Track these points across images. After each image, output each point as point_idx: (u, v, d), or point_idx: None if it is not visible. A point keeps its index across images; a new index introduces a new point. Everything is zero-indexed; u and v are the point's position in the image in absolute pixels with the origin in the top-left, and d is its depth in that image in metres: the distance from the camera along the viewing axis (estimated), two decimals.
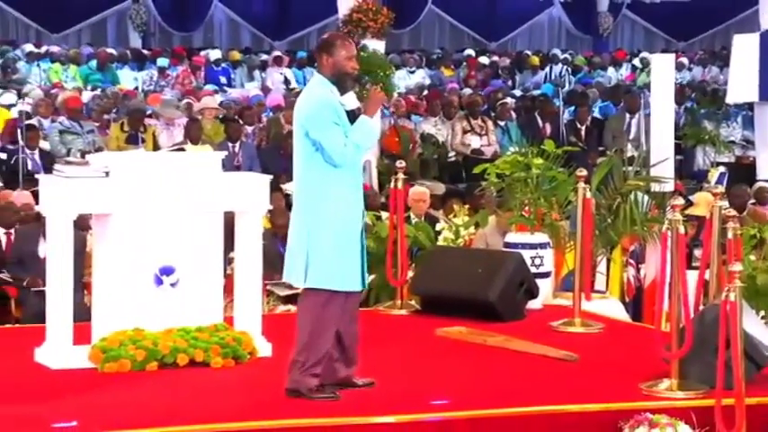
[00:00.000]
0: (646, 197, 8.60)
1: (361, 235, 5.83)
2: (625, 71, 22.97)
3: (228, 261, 7.38)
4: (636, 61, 23.00)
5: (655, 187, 8.75)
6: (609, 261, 8.90)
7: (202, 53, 21.54)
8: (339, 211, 5.72)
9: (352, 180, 5.77)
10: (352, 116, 5.79)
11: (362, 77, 6.23)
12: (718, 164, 14.23)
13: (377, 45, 13.65)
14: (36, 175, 8.83)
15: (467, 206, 9.72)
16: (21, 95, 14.45)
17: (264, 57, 21.68)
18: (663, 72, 9.25)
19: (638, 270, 9.09)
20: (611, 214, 8.45)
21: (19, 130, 12.34)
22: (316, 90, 5.80)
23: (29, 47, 20.98)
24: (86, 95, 15.78)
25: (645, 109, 14.57)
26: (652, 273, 8.59)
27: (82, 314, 6.73)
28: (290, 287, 9.24)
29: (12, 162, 12.20)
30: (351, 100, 5.83)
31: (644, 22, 27.38)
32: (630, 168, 8.73)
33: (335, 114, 5.70)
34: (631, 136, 14.79)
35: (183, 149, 7.50)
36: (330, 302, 5.76)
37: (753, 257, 7.58)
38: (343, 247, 5.73)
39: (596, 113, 16.51)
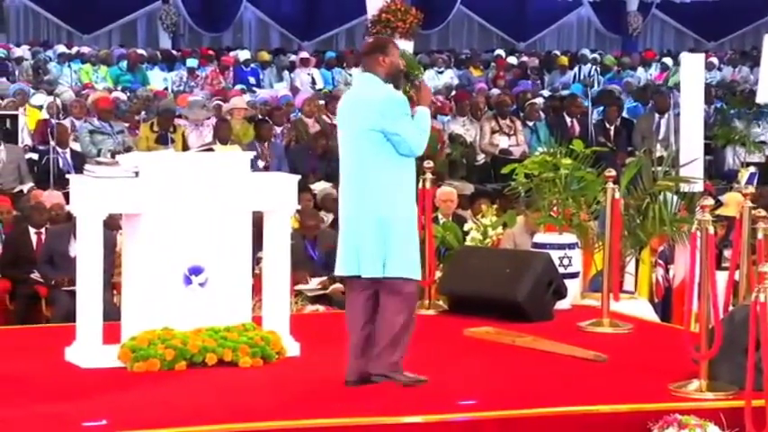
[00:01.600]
0: (675, 197, 8.55)
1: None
2: (654, 71, 22.87)
3: (257, 261, 7.40)
4: (666, 61, 22.89)
5: (684, 188, 8.71)
6: (638, 261, 8.86)
7: (231, 54, 21.60)
8: (410, 199, 6.03)
9: (413, 170, 6.08)
10: None
11: (410, 75, 6.28)
12: (748, 164, 14.12)
13: (405, 45, 13.61)
14: (67, 175, 8.88)
15: (495, 206, 9.70)
16: (53, 96, 14.52)
17: (293, 57, 21.73)
18: (693, 72, 9.20)
19: (666, 270, 9.04)
20: (640, 215, 8.41)
21: (50, 131, 12.42)
22: (381, 88, 6.05)
23: (60, 48, 21.10)
24: (117, 96, 15.85)
25: (674, 109, 14.51)
26: (681, 273, 8.55)
27: (111, 314, 6.76)
28: (324, 287, 9.28)
29: (43, 162, 12.27)
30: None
31: (674, 21, 27.25)
32: (660, 169, 8.69)
33: (408, 107, 6.05)
34: (660, 136, 14.72)
35: (211, 149, 7.52)
36: (413, 290, 6.04)
37: None
38: (415, 235, 6.07)
39: (625, 114, 16.44)
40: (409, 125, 5.99)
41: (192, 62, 20.11)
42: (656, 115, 15.17)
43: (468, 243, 9.06)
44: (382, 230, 5.92)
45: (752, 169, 13.58)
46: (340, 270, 6.10)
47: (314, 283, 9.50)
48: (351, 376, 6.07)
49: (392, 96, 6.04)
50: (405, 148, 5.97)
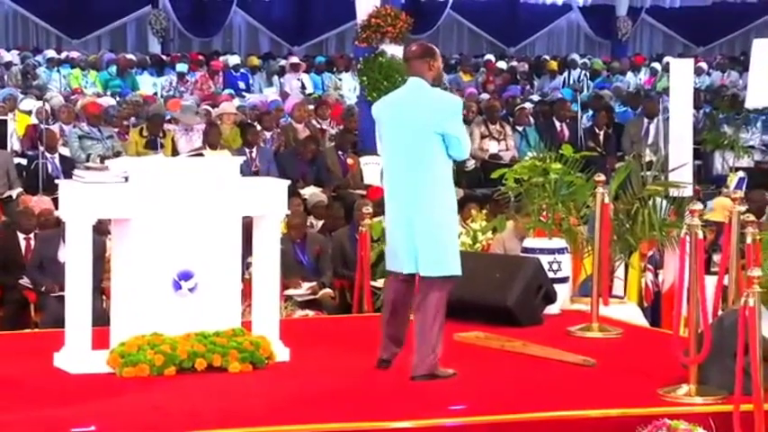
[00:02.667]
0: (664, 202, 8.57)
1: None
2: (644, 75, 22.93)
3: (246, 266, 7.39)
4: (655, 65, 22.95)
5: (673, 192, 8.72)
6: (627, 266, 8.87)
7: (221, 58, 21.60)
8: (454, 203, 6.31)
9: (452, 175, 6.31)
10: None
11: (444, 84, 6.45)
12: (737, 169, 14.16)
13: (395, 50, 13.63)
14: (56, 181, 8.87)
15: (484, 211, 9.70)
16: (42, 101, 14.50)
17: (282, 62, 21.73)
18: (682, 77, 9.22)
19: (656, 275, 9.06)
20: (630, 219, 8.42)
21: (39, 136, 12.40)
22: (436, 92, 6.28)
23: (50, 53, 21.07)
24: (106, 101, 15.83)
25: (663, 114, 14.54)
26: (670, 278, 8.56)
27: (101, 319, 6.74)
28: (314, 293, 9.28)
29: (32, 167, 12.25)
30: None
31: (663, 26, 27.33)
32: (649, 173, 8.71)
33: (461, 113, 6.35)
34: (650, 141, 14.75)
35: (201, 154, 7.51)
36: (447, 287, 6.27)
37: None
38: (456, 235, 6.40)
39: (615, 118, 16.47)
40: (463, 128, 6.32)
41: (181, 67, 20.10)
42: (646, 120, 15.21)
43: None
44: (441, 230, 6.18)
45: (741, 174, 13.62)
46: (396, 267, 6.30)
47: (304, 288, 9.51)
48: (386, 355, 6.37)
49: (453, 99, 6.34)
50: (458, 150, 6.20)
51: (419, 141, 6.15)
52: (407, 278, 6.33)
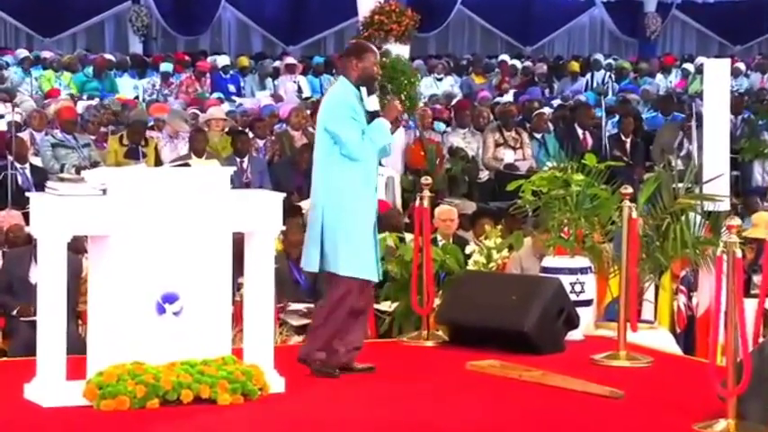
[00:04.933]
0: (698, 217, 8.57)
1: (373, 229, 7.00)
2: (675, 78, 22.97)
3: (237, 287, 7.39)
4: (687, 66, 22.99)
5: (708, 206, 8.73)
6: (657, 288, 8.87)
7: (209, 59, 21.65)
8: (353, 203, 6.87)
9: (366, 176, 6.94)
10: (373, 118, 6.99)
11: (386, 88, 6.69)
12: None
13: (401, 50, 13.68)
14: (26, 193, 8.88)
15: (499, 227, 9.72)
16: (12, 106, 14.53)
17: (277, 63, 21.78)
18: (717, 79, 9.24)
19: (689, 298, 9.06)
20: (660, 236, 8.43)
21: (7, 144, 12.41)
22: (337, 90, 7.08)
23: (22, 52, 21.12)
24: (81, 105, 15.86)
25: (697, 120, 14.56)
26: (706, 301, 8.56)
27: (76, 346, 6.75)
28: (305, 316, 9.27)
29: (0, 179, 12.27)
30: (373, 103, 7.04)
31: (696, 23, 27.38)
32: (681, 185, 8.71)
33: (353, 111, 6.92)
34: (683, 152, 14.76)
35: (187, 164, 7.55)
36: (345, 287, 6.90)
37: None
38: (357, 237, 6.89)
39: (643, 124, 16.49)
40: (350, 127, 6.87)
41: (165, 68, 20.15)
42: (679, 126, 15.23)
43: (470, 267, 9.07)
44: (324, 229, 6.88)
45: None
46: (305, 266, 7.10)
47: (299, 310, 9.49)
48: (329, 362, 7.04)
49: (337, 97, 6.99)
50: (345, 151, 6.89)
51: (317, 140, 7.06)
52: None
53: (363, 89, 7.00)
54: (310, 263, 7.00)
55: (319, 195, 6.99)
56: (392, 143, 7.16)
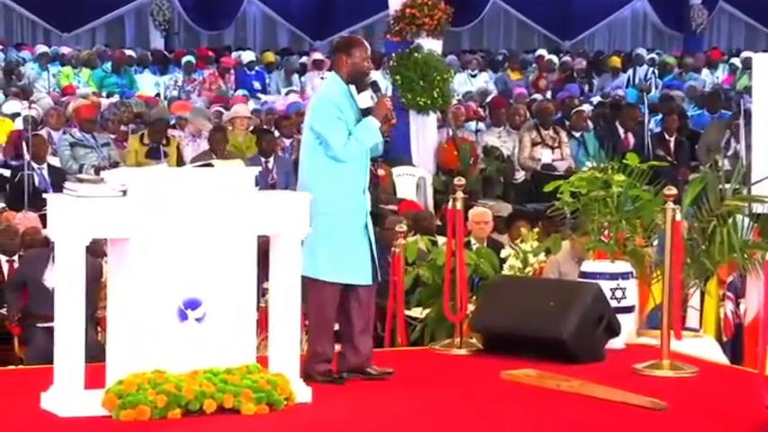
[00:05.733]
0: (746, 220, 8.54)
1: (365, 228, 7.02)
2: (722, 73, 22.88)
3: (262, 292, 7.41)
4: (734, 61, 22.90)
5: (757, 208, 8.69)
6: (703, 294, 8.84)
7: (233, 55, 21.72)
8: (338, 203, 6.93)
9: (352, 176, 6.97)
10: (365, 114, 7.04)
11: (376, 84, 7.15)
12: None
13: (433, 45, 13.70)
14: (44, 195, 8.93)
15: (536, 230, 9.71)
16: (28, 103, 14.62)
17: (303, 59, 21.83)
18: (766, 74, 9.20)
19: (737, 304, 9.02)
20: (706, 239, 8.39)
21: (24, 143, 12.49)
22: (325, 88, 7.20)
23: (40, 48, 21.22)
24: (101, 103, 15.94)
25: (745, 117, 14.49)
26: (754, 308, 8.52)
27: (95, 353, 6.79)
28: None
29: (16, 179, 12.34)
30: (365, 99, 7.10)
31: (744, 15, 27.24)
32: (728, 186, 8.68)
33: (338, 110, 6.95)
34: (730, 151, 14.70)
35: (210, 164, 7.57)
36: (324, 292, 6.96)
37: None
38: (340, 240, 6.93)
39: (688, 123, 16.43)
40: (335, 128, 6.91)
41: (187, 63, 20.22)
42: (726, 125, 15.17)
43: (505, 272, 9.06)
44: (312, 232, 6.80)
45: None
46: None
47: None
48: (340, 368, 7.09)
49: (324, 96, 7.06)
50: (330, 152, 6.95)
51: (303, 139, 7.15)
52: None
53: (353, 86, 7.03)
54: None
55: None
56: (381, 141, 7.15)
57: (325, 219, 6.88)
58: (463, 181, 8.31)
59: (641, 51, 23.86)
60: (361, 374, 7.03)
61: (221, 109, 15.79)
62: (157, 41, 23.48)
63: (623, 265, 8.18)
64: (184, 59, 20.28)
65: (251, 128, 14.18)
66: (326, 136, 6.92)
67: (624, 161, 8.45)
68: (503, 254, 9.34)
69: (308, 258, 6.82)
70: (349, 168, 6.96)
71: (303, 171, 7.07)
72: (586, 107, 16.53)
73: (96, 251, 7.93)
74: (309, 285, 6.94)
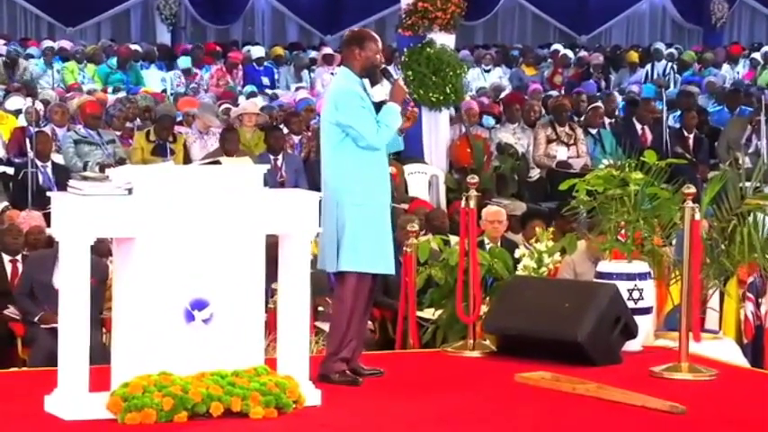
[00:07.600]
0: (767, 219, 8.53)
1: (389, 219, 7.17)
2: (742, 68, 22.84)
3: (271, 293, 7.43)
4: (756, 56, 22.86)
5: None
6: (722, 295, 8.83)
7: (242, 50, 21.73)
8: (370, 194, 7.03)
9: (379, 164, 7.11)
10: (378, 108, 7.12)
11: (387, 71, 7.27)
12: None
13: (446, 39, 13.70)
14: (48, 193, 8.95)
15: (551, 229, 9.71)
16: (32, 99, 14.65)
17: (313, 54, 21.83)
18: None
19: (757, 306, 9.01)
20: (726, 239, 8.39)
21: (28, 140, 12.52)
22: (341, 82, 7.19)
23: (46, 43, 21.26)
24: (106, 100, 15.96)
25: (766, 114, 14.47)
26: None
27: (100, 355, 6.80)
28: None
29: (19, 177, 12.37)
30: (379, 92, 7.18)
31: (766, 9, 27.19)
32: (749, 184, 8.67)
33: (361, 100, 7.06)
34: (751, 148, 14.67)
35: (218, 162, 7.60)
36: (360, 286, 7.02)
37: None
38: (375, 229, 7.02)
39: (708, 119, 16.41)
40: (364, 118, 7.02)
41: (194, 58, 20.25)
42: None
43: (519, 272, 9.07)
44: (340, 224, 6.97)
45: None
46: (325, 267, 7.15)
47: None
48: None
49: (344, 89, 7.11)
50: (361, 141, 7.02)
51: (324, 135, 7.19)
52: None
53: (366, 80, 7.13)
54: (329, 263, 7.06)
55: (333, 190, 7.07)
56: (401, 136, 7.39)
57: (361, 210, 6.99)
58: (476, 179, 8.32)
59: (660, 46, 23.82)
60: (354, 373, 7.09)
61: (229, 105, 15.80)
62: (164, 36, 23.51)
63: (641, 266, 8.17)
64: (191, 59, 20.27)
65: (259, 125, 14.19)
66: (357, 127, 7.00)
67: (642, 159, 8.45)
68: (517, 254, 9.34)
69: (347, 252, 6.94)
70: (376, 157, 7.09)
71: (329, 167, 7.14)
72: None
73: (101, 251, 7.95)
74: (345, 279, 7.02)
